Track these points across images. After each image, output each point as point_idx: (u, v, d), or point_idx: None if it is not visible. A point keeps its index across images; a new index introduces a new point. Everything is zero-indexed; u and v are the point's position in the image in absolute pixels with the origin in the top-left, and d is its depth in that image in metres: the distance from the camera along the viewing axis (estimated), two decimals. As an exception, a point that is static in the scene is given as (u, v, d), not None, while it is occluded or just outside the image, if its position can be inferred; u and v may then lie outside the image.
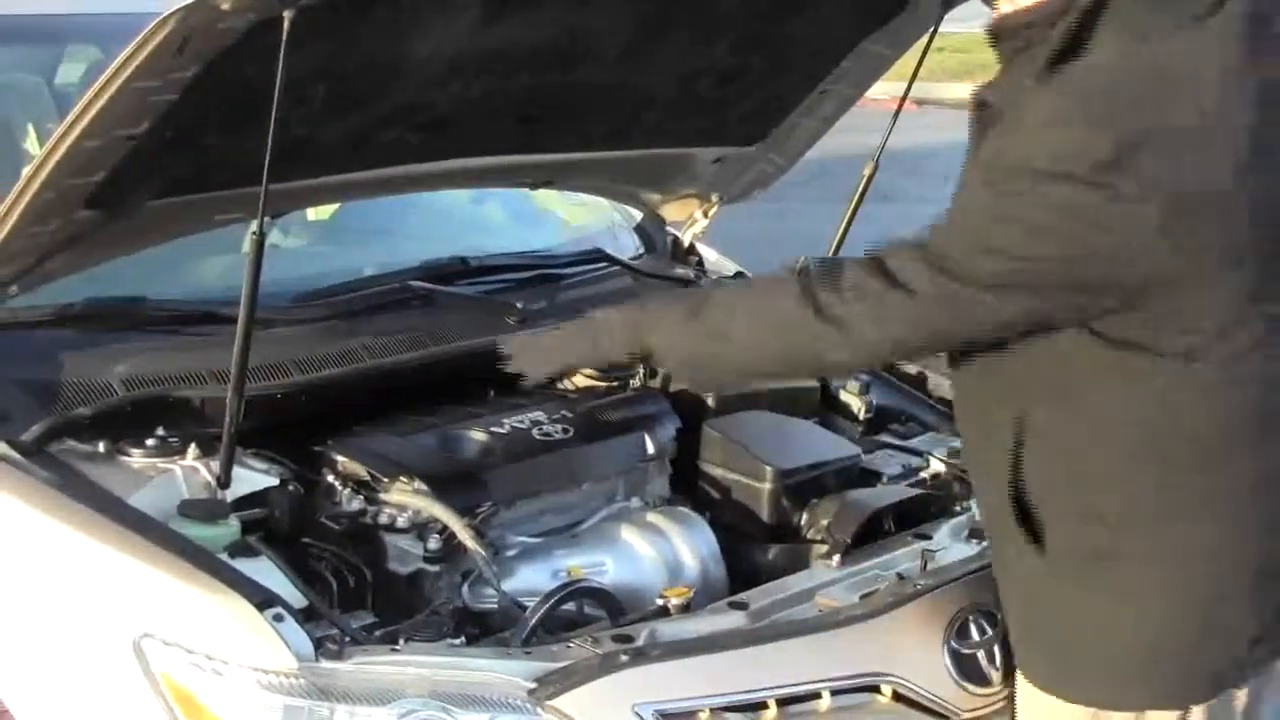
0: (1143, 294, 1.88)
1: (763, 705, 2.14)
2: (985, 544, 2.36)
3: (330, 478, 2.52)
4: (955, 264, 1.91)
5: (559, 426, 2.71)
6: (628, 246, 3.59)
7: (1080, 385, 1.96)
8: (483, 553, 2.39)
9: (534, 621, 2.25)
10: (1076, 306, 1.91)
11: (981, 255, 1.89)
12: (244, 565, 2.20)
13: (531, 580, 2.47)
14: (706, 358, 2.20)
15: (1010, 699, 2.24)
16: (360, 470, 2.51)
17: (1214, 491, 1.97)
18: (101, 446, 2.43)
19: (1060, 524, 2.02)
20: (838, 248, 3.27)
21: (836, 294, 2.00)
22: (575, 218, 3.74)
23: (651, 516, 2.65)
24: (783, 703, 2.15)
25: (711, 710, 2.10)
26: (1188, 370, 1.91)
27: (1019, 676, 2.15)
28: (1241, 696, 2.04)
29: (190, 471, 2.40)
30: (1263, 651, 2.04)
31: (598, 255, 3.41)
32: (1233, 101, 1.86)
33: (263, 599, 2.06)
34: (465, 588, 2.43)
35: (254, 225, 2.24)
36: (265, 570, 2.22)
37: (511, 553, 2.53)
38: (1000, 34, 1.99)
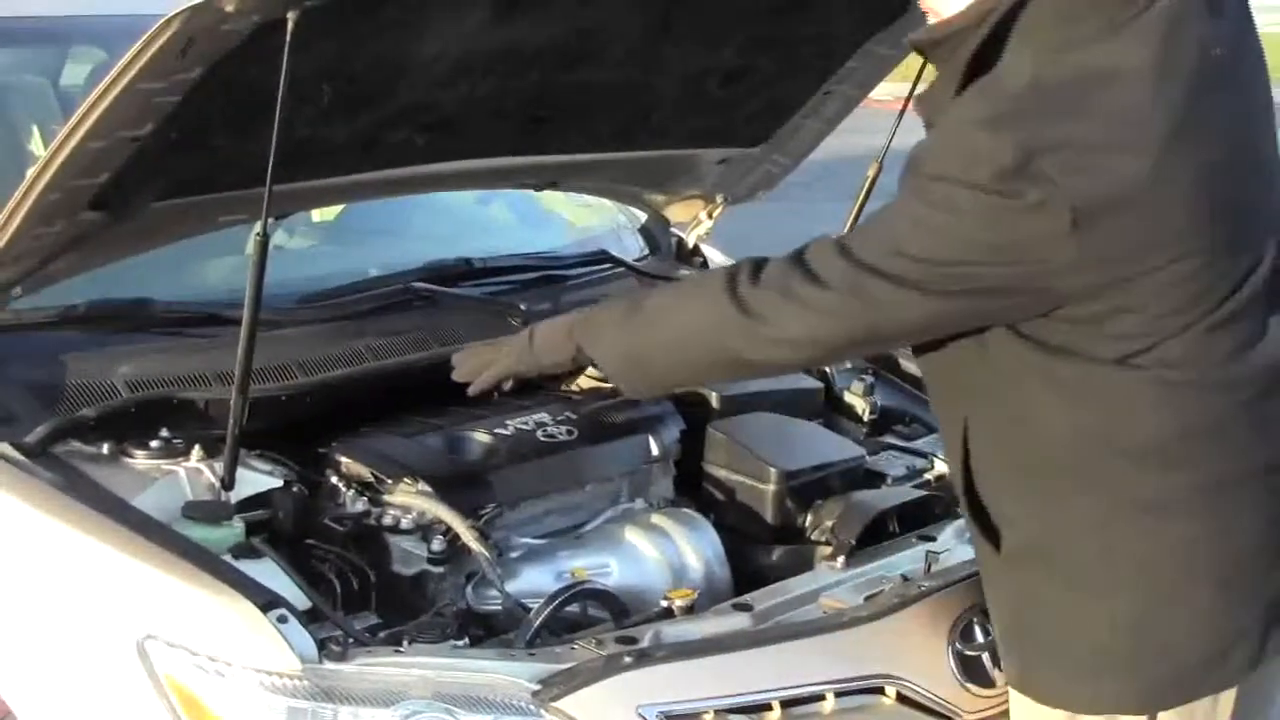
0: (1059, 299, 1.88)
1: (767, 707, 2.14)
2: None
3: (334, 479, 2.51)
4: (869, 262, 1.93)
5: (563, 428, 2.71)
6: (632, 248, 3.59)
7: (1014, 389, 1.98)
8: (487, 554, 2.39)
9: (538, 623, 2.25)
10: (988, 311, 1.93)
11: (893, 256, 1.91)
12: (248, 567, 2.20)
13: (535, 582, 2.46)
14: (638, 357, 2.20)
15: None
16: (364, 471, 2.51)
17: (1170, 494, 1.95)
18: (106, 448, 2.42)
19: (1010, 525, 2.03)
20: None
21: (756, 288, 2.01)
22: (580, 219, 3.73)
23: (656, 518, 2.65)
24: (787, 704, 2.15)
25: (715, 712, 2.10)
26: (1124, 374, 1.90)
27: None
28: (1225, 701, 2.00)
29: (194, 473, 2.40)
30: (1241, 659, 1.99)
31: (602, 257, 3.41)
32: (1156, 105, 1.86)
33: (266, 600, 2.06)
34: (469, 589, 2.42)
35: (258, 226, 2.24)
36: (269, 572, 2.21)
37: (515, 554, 2.52)
38: (925, 46, 2.03)
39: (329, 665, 2.03)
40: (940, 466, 2.89)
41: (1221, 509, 1.96)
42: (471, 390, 2.39)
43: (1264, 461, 1.98)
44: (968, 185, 1.85)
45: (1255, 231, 1.97)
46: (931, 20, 2.02)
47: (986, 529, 2.06)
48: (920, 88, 2.16)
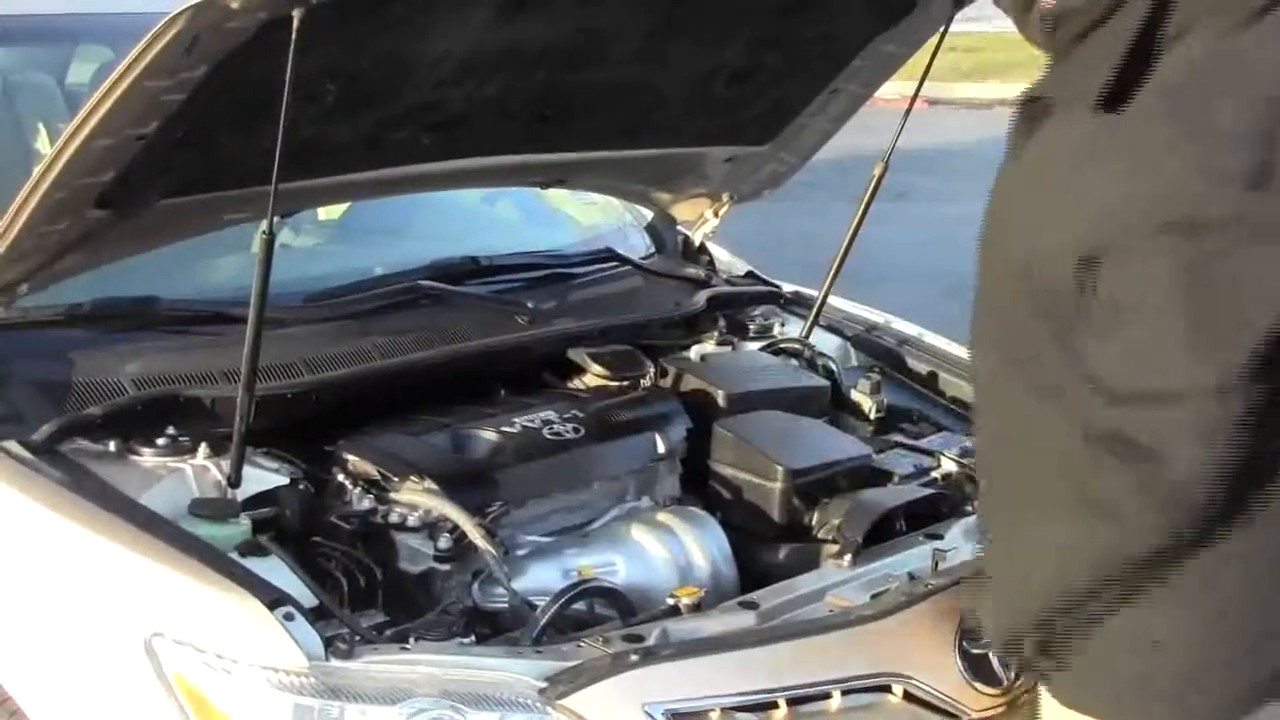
0: None
1: (773, 705, 2.13)
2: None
3: (341, 477, 2.51)
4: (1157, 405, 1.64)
5: (570, 426, 2.71)
6: (638, 246, 3.59)
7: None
8: (493, 552, 2.39)
9: (544, 621, 2.25)
10: None
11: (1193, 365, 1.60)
12: (254, 564, 2.20)
13: (542, 579, 2.46)
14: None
15: (1018, 699, 2.24)
16: (371, 469, 2.51)
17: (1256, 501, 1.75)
18: (112, 446, 2.43)
19: None
20: (848, 246, 3.26)
21: None
22: (586, 217, 3.73)
23: (662, 516, 2.65)
24: (793, 703, 2.14)
25: (722, 710, 2.10)
26: None
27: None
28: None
29: (201, 471, 2.41)
30: None
31: (608, 255, 3.41)
32: None
33: (273, 598, 2.06)
34: (475, 587, 2.42)
35: (264, 225, 2.24)
36: (275, 569, 2.21)
37: (522, 552, 2.52)
38: (1059, 20, 1.72)
39: (335, 663, 2.03)
40: (947, 464, 2.88)
41: None
42: None
43: None
44: (1211, 226, 1.57)
45: None
46: None
47: None
48: (1035, 75, 1.82)
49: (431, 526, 2.43)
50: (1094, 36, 1.69)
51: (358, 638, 2.11)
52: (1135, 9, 1.66)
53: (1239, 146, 1.60)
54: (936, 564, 2.42)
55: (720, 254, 3.68)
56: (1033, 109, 1.80)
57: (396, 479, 2.49)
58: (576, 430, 2.70)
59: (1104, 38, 1.68)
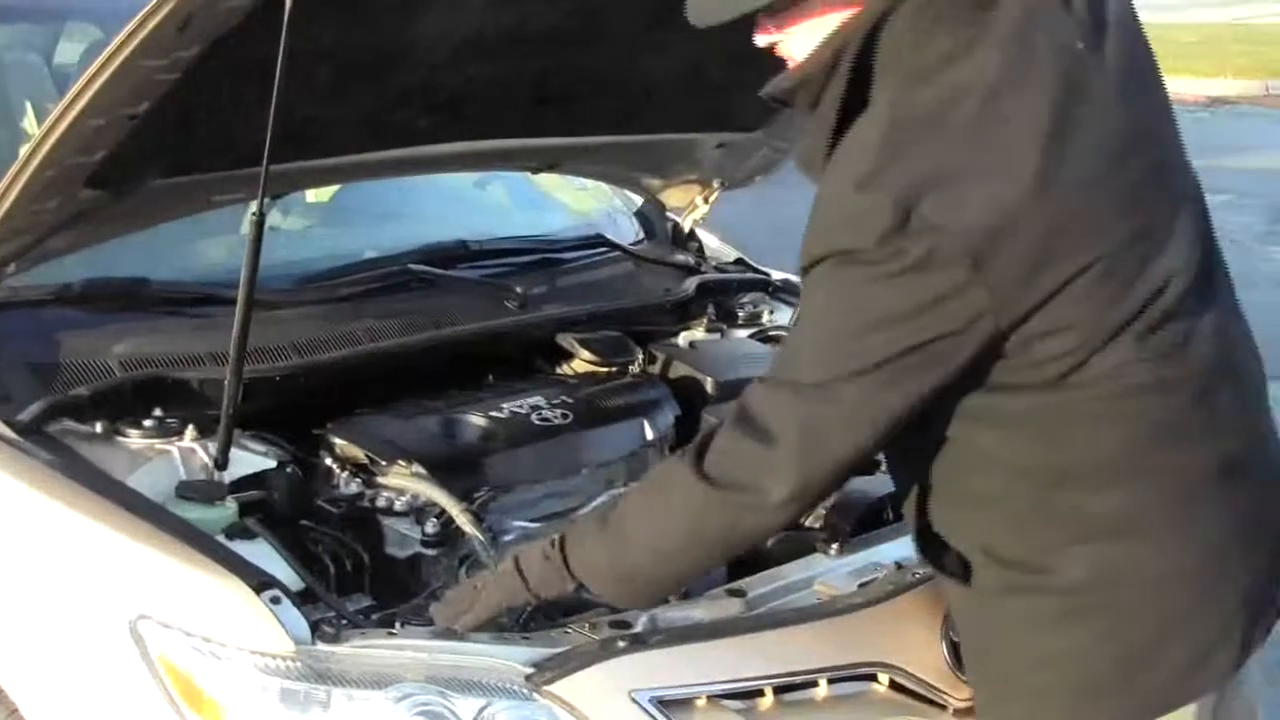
0: (1001, 337, 1.78)
1: (760, 693, 2.14)
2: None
3: (329, 460, 2.51)
4: (810, 383, 1.82)
5: (558, 412, 2.71)
6: (628, 232, 3.58)
7: (960, 429, 1.90)
8: (481, 537, 2.38)
9: (531, 608, 2.24)
10: (951, 371, 1.80)
11: (827, 366, 1.81)
12: (241, 547, 2.19)
13: (529, 565, 2.46)
14: (629, 573, 2.04)
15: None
16: (359, 453, 2.51)
17: (1131, 509, 1.88)
18: (99, 427, 2.42)
19: (975, 563, 1.97)
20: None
21: (719, 462, 1.90)
22: (577, 202, 3.73)
23: (650, 503, 2.64)
24: (780, 690, 2.15)
25: (708, 698, 2.10)
26: (1062, 397, 1.83)
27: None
28: (1206, 705, 1.95)
29: (188, 453, 2.40)
30: (1224, 660, 1.93)
31: (598, 240, 3.40)
32: (1018, 117, 1.76)
33: (260, 581, 2.05)
34: (463, 572, 2.42)
35: (254, 206, 2.23)
36: (263, 553, 2.21)
37: (510, 537, 2.52)
38: (784, 98, 1.91)
39: (322, 647, 2.02)
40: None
41: (1184, 515, 1.89)
42: (460, 626, 2.14)
43: (1218, 460, 1.91)
44: (861, 260, 1.75)
45: (1170, 223, 1.87)
46: (791, 66, 1.89)
47: (950, 567, 2.00)
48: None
49: (419, 511, 2.43)
50: (818, 111, 1.87)
51: (345, 622, 2.11)
52: (833, 93, 1.83)
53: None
54: (924, 554, 2.42)
55: (709, 241, 3.68)
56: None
57: (384, 463, 2.48)
58: (565, 416, 2.70)
59: (823, 111, 1.86)
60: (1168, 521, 1.90)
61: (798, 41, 1.87)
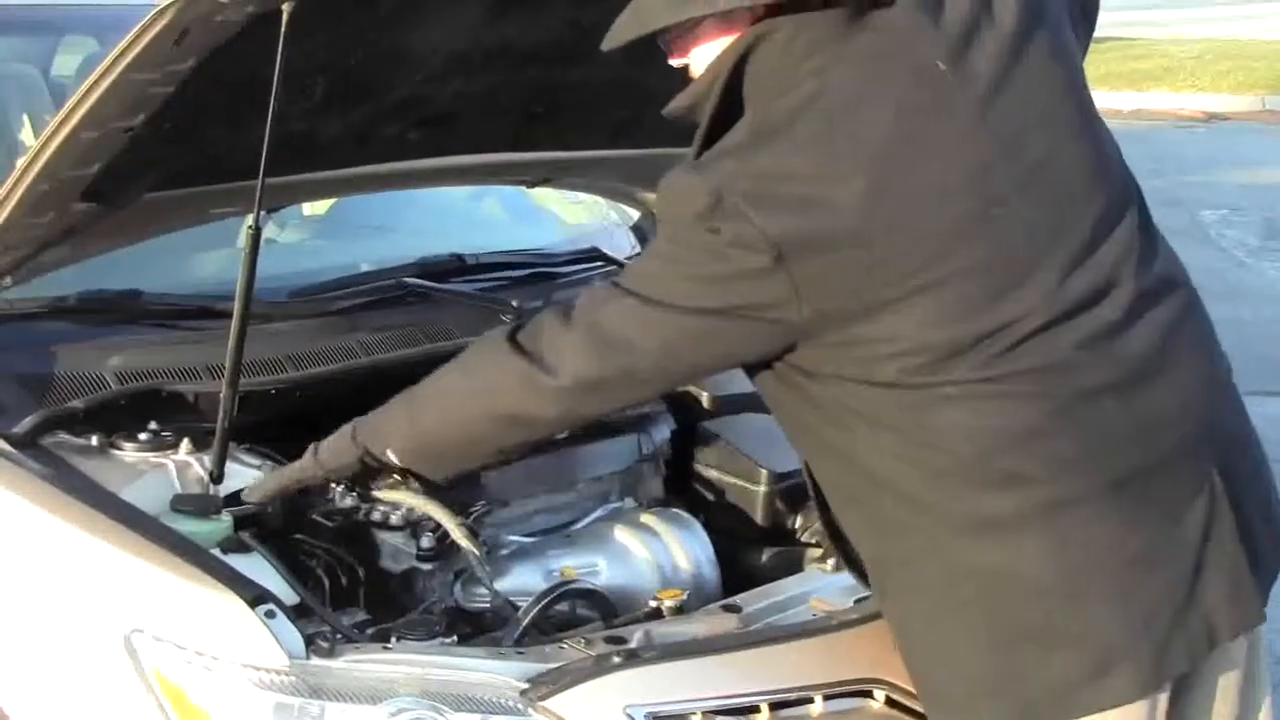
0: (800, 330, 1.87)
1: (755, 709, 2.13)
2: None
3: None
4: (622, 285, 1.96)
5: (554, 426, 2.70)
6: (624, 246, 3.57)
7: (828, 423, 1.96)
8: (476, 552, 2.38)
9: (527, 621, 2.24)
10: (734, 336, 1.91)
11: (637, 279, 1.96)
12: (236, 561, 2.19)
13: (525, 580, 2.46)
14: (425, 441, 2.18)
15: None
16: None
17: (1001, 511, 1.88)
18: (94, 440, 2.41)
19: (868, 561, 2.03)
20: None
21: (532, 335, 2.03)
22: (572, 216, 3.73)
23: (645, 518, 2.64)
24: (775, 707, 2.14)
25: (703, 714, 2.09)
26: (913, 395, 1.85)
27: None
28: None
29: (183, 466, 2.40)
30: (1126, 681, 1.88)
31: (594, 254, 3.40)
32: (859, 130, 1.84)
33: (254, 595, 2.05)
34: (458, 587, 2.42)
35: (250, 219, 2.23)
36: (257, 566, 2.20)
37: (505, 552, 2.52)
38: (682, 116, 2.03)
39: (317, 661, 2.02)
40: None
41: (1061, 523, 1.87)
42: (245, 496, 2.32)
43: (1109, 475, 1.88)
44: (679, 223, 1.90)
45: (1053, 240, 1.88)
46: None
47: (855, 566, 2.06)
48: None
49: (414, 525, 2.42)
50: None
51: (339, 636, 2.10)
52: (710, 110, 1.95)
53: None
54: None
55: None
56: None
57: (380, 477, 2.48)
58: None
59: (702, 126, 1.98)
60: (1043, 529, 1.88)
61: (697, 64, 2.00)
